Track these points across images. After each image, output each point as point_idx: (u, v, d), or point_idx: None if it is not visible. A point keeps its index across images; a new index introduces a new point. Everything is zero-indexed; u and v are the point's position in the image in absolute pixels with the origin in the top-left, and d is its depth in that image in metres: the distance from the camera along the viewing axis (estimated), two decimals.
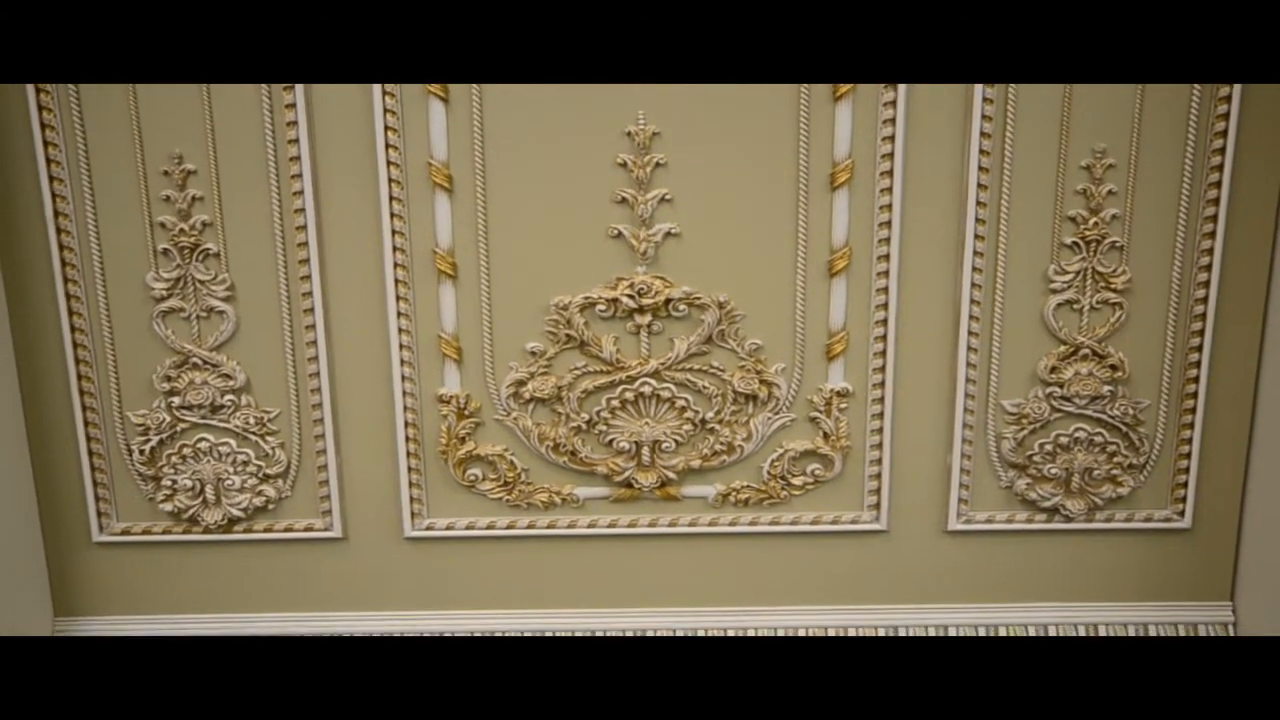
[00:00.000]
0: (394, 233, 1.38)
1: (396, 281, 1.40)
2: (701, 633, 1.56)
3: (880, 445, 1.49)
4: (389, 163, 1.36)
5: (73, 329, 1.40)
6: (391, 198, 1.37)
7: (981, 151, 1.35)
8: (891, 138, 1.35)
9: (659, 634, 1.56)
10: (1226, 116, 1.34)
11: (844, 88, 1.32)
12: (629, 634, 1.56)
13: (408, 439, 1.47)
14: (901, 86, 1.30)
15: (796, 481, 1.51)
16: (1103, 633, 1.56)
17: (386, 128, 1.34)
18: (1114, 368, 1.44)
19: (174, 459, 1.47)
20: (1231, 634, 1.54)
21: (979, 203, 1.37)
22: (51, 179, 1.34)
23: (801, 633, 1.56)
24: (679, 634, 1.56)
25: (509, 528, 1.53)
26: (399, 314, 1.42)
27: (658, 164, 1.36)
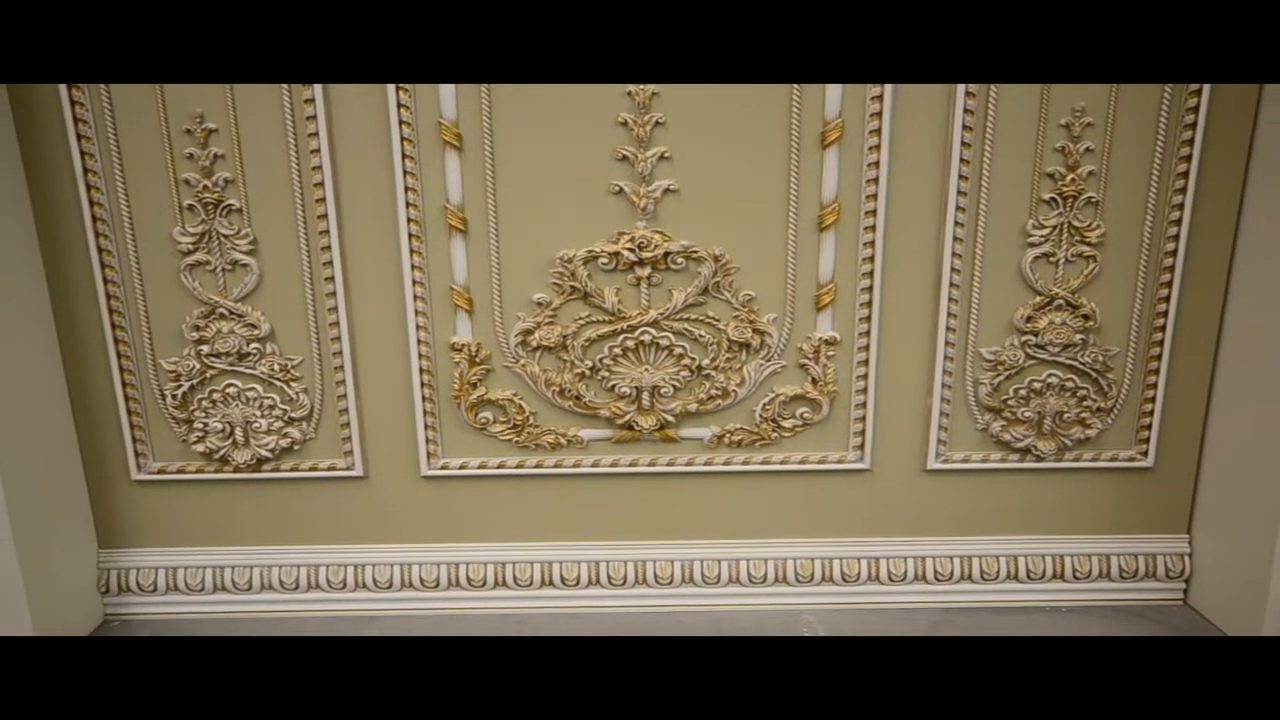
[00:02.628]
0: (407, 189, 1.43)
1: (410, 236, 1.46)
2: (697, 564, 1.66)
3: (865, 390, 1.56)
4: (401, 122, 1.40)
5: (105, 281, 1.46)
6: (404, 155, 1.41)
7: (966, 110, 1.39)
8: (880, 97, 1.39)
9: (658, 563, 1.65)
10: (1198, 94, 1.39)
11: None
12: (629, 563, 1.65)
13: (423, 384, 1.55)
14: None
15: (786, 424, 1.58)
16: (1069, 564, 1.65)
17: (399, 88, 1.38)
18: (1086, 317, 1.50)
19: (204, 403, 1.54)
20: (1187, 564, 1.64)
21: (962, 160, 1.42)
22: (80, 138, 1.38)
23: (789, 564, 1.65)
24: (676, 564, 1.65)
25: (518, 467, 1.61)
26: (413, 266, 1.48)
27: (657, 123, 1.40)
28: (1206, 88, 1.38)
